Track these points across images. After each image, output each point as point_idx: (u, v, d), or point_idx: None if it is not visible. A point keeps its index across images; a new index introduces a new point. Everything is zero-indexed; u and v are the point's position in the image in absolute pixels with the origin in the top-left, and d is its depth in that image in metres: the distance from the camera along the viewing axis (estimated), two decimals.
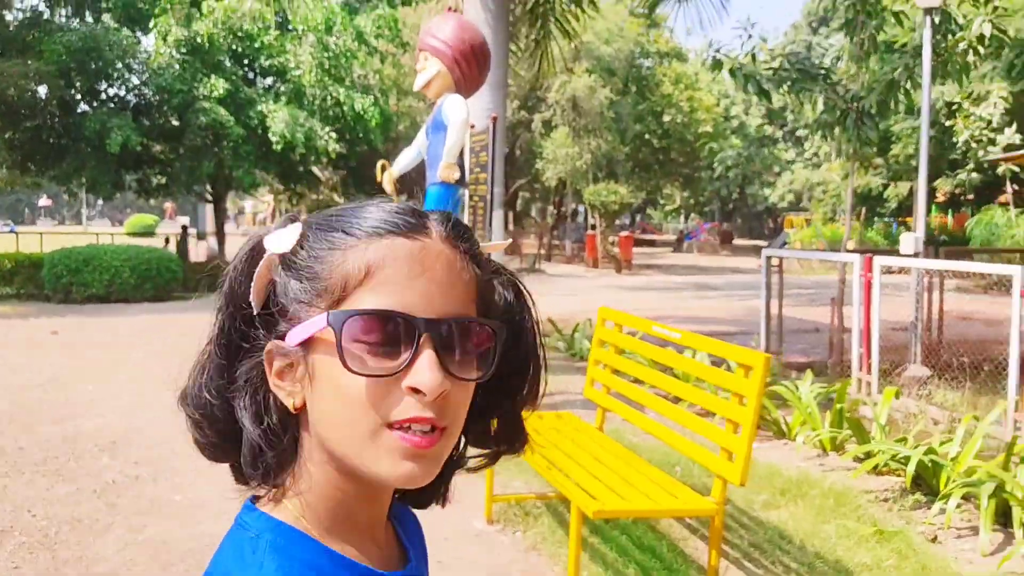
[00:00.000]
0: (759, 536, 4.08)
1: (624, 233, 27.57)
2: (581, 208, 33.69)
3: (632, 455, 3.89)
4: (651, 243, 45.40)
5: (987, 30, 8.33)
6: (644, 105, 29.85)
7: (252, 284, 0.75)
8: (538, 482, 4.44)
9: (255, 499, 0.79)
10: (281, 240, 0.75)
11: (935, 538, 4.21)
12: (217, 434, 0.79)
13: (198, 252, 22.14)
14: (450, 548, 3.94)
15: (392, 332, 0.71)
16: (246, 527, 0.76)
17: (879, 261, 7.63)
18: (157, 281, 14.91)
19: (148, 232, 37.25)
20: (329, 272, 0.73)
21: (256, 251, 0.77)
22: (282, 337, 0.75)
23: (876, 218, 30.05)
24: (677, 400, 4.94)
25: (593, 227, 27.56)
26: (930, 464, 4.73)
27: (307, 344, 0.74)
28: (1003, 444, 5.30)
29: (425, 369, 0.71)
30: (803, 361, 9.00)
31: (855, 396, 7.08)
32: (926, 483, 4.79)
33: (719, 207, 48.54)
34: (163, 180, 19.90)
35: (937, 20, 8.20)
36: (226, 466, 0.83)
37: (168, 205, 45.64)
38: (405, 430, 0.71)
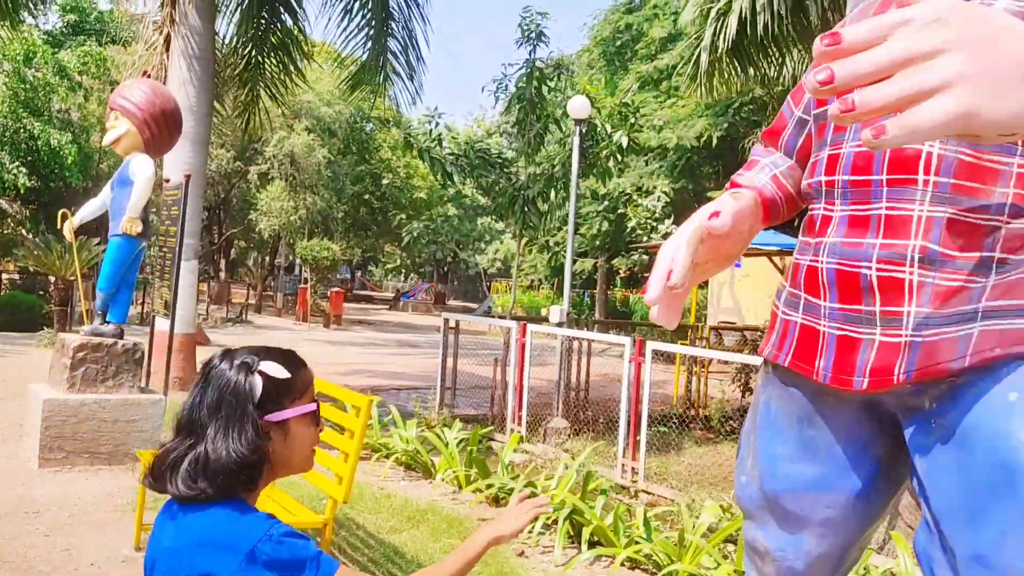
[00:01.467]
0: (378, 553, 4.87)
1: (335, 289, 28.10)
2: (299, 261, 33.75)
3: (275, 489, 4.53)
4: (370, 299, 46.23)
5: (624, 141, 10.13)
6: (364, 167, 30.87)
7: (252, 389, 1.53)
8: None
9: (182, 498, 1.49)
10: (279, 372, 1.56)
11: (522, 553, 5.24)
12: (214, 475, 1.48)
13: None
14: (97, 573, 4.31)
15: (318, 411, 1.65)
16: (222, 504, 1.47)
17: (531, 328, 8.97)
18: None
19: None
20: (301, 385, 1.60)
21: (251, 370, 1.55)
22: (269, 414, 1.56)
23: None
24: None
25: (306, 281, 27.83)
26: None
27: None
28: (614, 484, 6.58)
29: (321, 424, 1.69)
30: (472, 413, 10.11)
31: (505, 443, 8.23)
32: None
33: (435, 268, 50.53)
34: None
35: (585, 130, 9.86)
36: None
37: None
38: (312, 452, 1.62)
